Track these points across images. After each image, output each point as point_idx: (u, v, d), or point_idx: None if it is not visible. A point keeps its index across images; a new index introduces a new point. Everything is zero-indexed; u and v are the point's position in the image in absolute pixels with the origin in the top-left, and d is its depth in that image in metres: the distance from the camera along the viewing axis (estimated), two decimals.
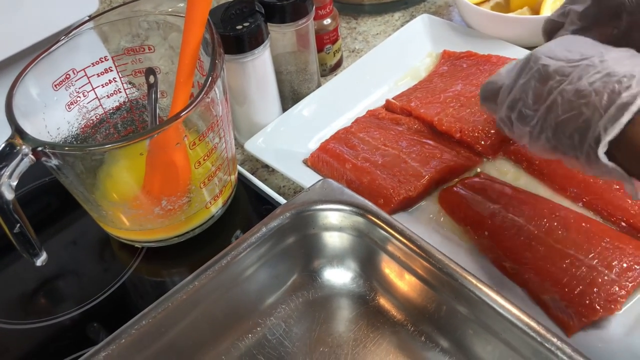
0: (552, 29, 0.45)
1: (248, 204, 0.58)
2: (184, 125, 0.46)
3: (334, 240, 0.47)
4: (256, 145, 0.61)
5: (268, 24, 0.59)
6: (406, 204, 0.55)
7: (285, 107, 0.65)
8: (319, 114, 0.64)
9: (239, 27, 0.55)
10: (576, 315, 0.44)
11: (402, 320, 0.45)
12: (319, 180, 0.47)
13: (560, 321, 0.45)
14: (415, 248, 0.43)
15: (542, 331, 0.37)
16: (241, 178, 0.59)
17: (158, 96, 0.55)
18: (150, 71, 0.55)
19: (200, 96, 0.44)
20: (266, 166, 0.63)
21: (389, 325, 0.46)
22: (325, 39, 0.69)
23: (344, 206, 0.45)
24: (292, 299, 0.48)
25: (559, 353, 0.36)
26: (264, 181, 0.61)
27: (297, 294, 0.48)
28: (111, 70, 0.55)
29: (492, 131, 0.58)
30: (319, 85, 0.67)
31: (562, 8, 0.44)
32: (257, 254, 0.45)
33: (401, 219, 0.54)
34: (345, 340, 0.46)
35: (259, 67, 0.58)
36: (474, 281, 0.40)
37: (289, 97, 0.66)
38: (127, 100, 0.57)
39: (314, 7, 0.61)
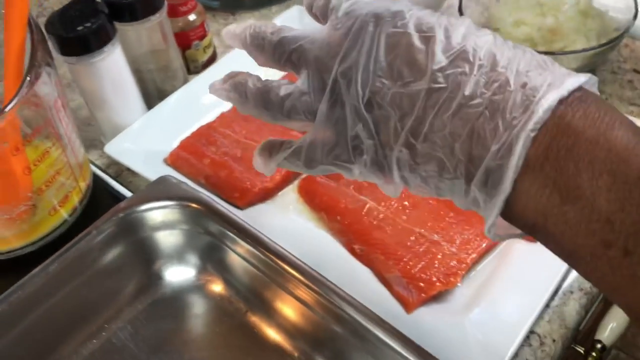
0: None
1: (108, 209, 0.57)
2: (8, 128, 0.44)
3: (171, 238, 0.46)
4: (117, 148, 0.59)
5: (119, 23, 0.58)
6: (264, 196, 0.54)
7: (150, 107, 0.64)
8: (184, 112, 0.63)
9: (80, 27, 0.53)
10: (416, 291, 0.45)
11: (244, 309, 0.45)
12: (157, 179, 0.46)
13: (401, 298, 0.45)
14: (246, 237, 0.42)
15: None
16: (102, 183, 0.58)
17: None
18: None
19: (16, 98, 0.42)
20: (131, 169, 0.62)
21: (236, 316, 0.45)
22: (191, 35, 0.68)
23: (173, 202, 0.44)
24: (138, 301, 0.47)
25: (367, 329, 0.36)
26: (128, 184, 0.59)
27: (143, 296, 0.47)
28: None
29: None
30: (185, 82, 0.66)
31: None
32: (91, 258, 0.44)
33: (260, 210, 0.54)
34: (192, 338, 0.45)
35: (112, 66, 0.57)
36: (295, 262, 0.40)
37: (155, 95, 0.65)
38: None
39: (166, 3, 0.60)
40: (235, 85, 0.33)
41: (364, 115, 0.28)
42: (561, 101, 0.24)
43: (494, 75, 0.25)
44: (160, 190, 0.45)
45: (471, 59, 0.26)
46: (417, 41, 0.27)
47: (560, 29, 0.57)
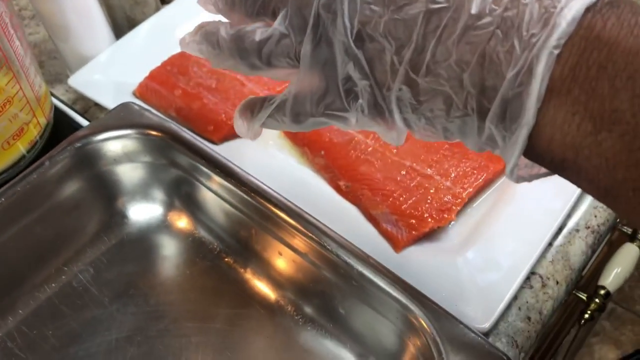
0: None
1: None
2: None
3: (134, 172, 0.41)
4: (82, 80, 0.54)
5: None
6: None
7: (119, 37, 0.58)
8: (156, 42, 0.57)
9: None
10: (406, 228, 0.40)
11: (217, 249, 0.41)
12: (117, 106, 0.42)
13: (389, 236, 0.41)
14: (219, 170, 0.38)
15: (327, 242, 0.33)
16: (67, 119, 0.53)
17: None
18: None
19: None
20: (98, 104, 0.57)
21: (209, 258, 0.41)
22: None
23: (134, 130, 0.39)
24: (102, 241, 0.42)
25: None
26: (95, 119, 0.54)
27: (107, 236, 0.43)
28: None
29: None
30: (157, 10, 0.60)
31: None
32: (46, 192, 0.39)
33: (237, 145, 0.49)
34: (160, 281, 0.41)
35: None
36: (276, 199, 0.36)
37: (124, 25, 0.59)
38: None
39: None
40: (206, 36, 0.29)
41: (354, 52, 0.24)
42: (588, 9, 0.20)
43: None
44: (120, 117, 0.40)
45: None
46: None
47: None
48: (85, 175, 0.40)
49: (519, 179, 0.23)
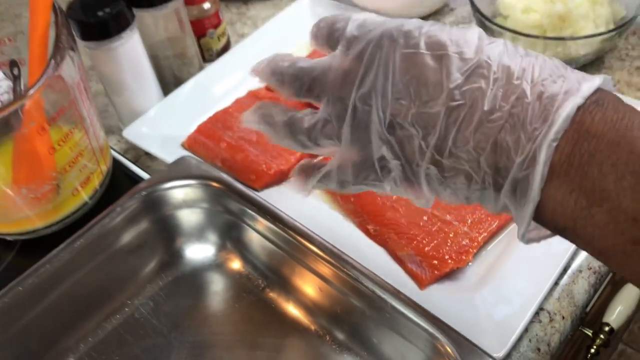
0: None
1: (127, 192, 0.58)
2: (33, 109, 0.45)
3: (192, 216, 0.47)
4: (135, 133, 0.61)
5: (136, 9, 0.59)
6: (280, 178, 0.56)
7: (167, 93, 0.65)
8: (200, 98, 0.64)
9: (100, 13, 0.55)
10: (429, 269, 0.46)
11: (262, 285, 0.46)
12: (178, 158, 0.48)
13: (414, 275, 0.46)
14: (265, 214, 0.44)
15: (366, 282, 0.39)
16: (122, 168, 0.59)
17: (22, 89, 0.55)
18: (13, 63, 0.55)
19: (42, 79, 0.44)
20: (149, 153, 0.63)
21: (255, 293, 0.47)
22: (206, 24, 0.69)
23: (195, 181, 0.45)
24: (160, 277, 0.48)
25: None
26: (146, 168, 0.61)
27: (164, 273, 0.48)
28: None
29: None
30: (201, 69, 0.68)
31: None
32: (115, 234, 0.46)
33: (275, 193, 0.55)
34: (212, 313, 0.46)
35: (130, 52, 0.58)
36: (314, 238, 0.41)
37: (171, 82, 0.66)
38: None
39: None
40: (264, 117, 0.34)
41: (387, 138, 0.29)
42: (579, 107, 0.25)
43: (510, 88, 0.26)
44: (181, 169, 0.46)
45: (486, 73, 0.26)
46: (430, 60, 0.27)
47: (570, 15, 0.58)
48: (150, 219, 0.46)
49: (529, 241, 0.29)
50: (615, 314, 0.59)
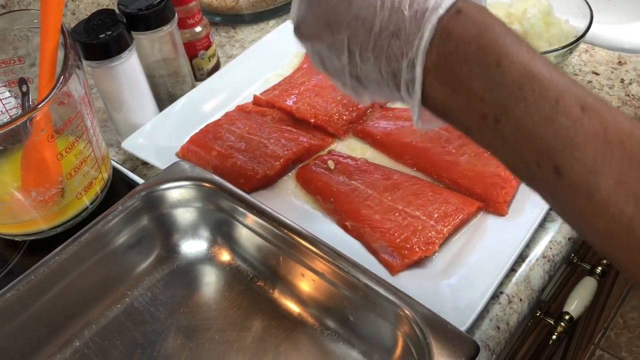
0: None
1: None
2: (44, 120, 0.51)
3: (187, 214, 0.52)
4: (133, 144, 0.66)
5: (134, 32, 0.65)
6: (266, 182, 0.61)
7: (162, 109, 0.71)
8: (192, 113, 0.70)
9: (102, 35, 0.61)
10: (399, 257, 0.51)
11: (250, 275, 0.51)
12: (173, 163, 0.53)
13: (386, 263, 0.52)
14: (254, 210, 0.49)
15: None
16: (120, 176, 0.64)
17: (30, 104, 0.60)
18: (22, 81, 0.60)
19: (53, 92, 0.49)
20: (145, 163, 0.68)
21: (244, 282, 0.52)
22: (198, 46, 0.75)
23: (189, 182, 0.51)
24: (157, 271, 0.53)
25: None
26: (142, 176, 0.66)
27: (161, 266, 0.53)
28: None
29: (343, 114, 0.66)
30: (193, 87, 0.73)
31: None
32: (117, 230, 0.51)
33: (262, 195, 0.61)
34: (205, 301, 0.51)
35: (129, 70, 0.64)
36: (296, 228, 0.47)
37: (165, 99, 0.72)
38: (4, 109, 0.62)
39: (177, 16, 0.68)
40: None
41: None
42: (441, 17, 0.32)
43: (394, 11, 0.33)
44: (176, 172, 0.52)
45: (374, 2, 0.34)
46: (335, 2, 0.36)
47: (525, 35, 0.65)
48: (148, 217, 0.51)
49: (422, 126, 0.37)
50: (574, 304, 0.65)
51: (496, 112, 0.31)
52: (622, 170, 0.29)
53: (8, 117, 0.62)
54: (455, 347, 0.38)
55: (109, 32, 0.61)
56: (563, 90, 0.30)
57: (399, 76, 0.34)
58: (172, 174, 0.51)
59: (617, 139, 0.29)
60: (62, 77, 0.50)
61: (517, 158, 0.32)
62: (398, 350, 0.43)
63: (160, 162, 0.64)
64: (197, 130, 0.68)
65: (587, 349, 1.45)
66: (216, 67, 0.79)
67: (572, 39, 0.67)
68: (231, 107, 0.71)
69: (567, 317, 0.64)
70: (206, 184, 0.51)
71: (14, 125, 0.49)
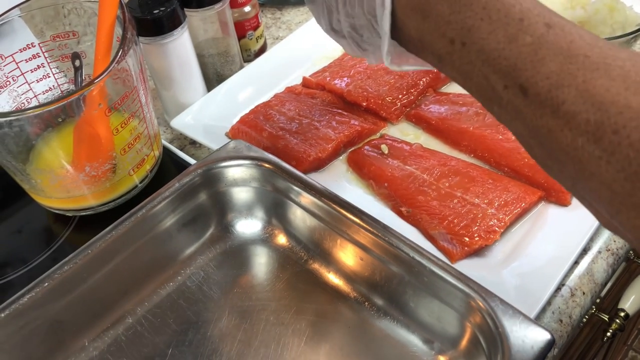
0: None
1: (174, 177, 0.62)
2: (99, 94, 0.50)
3: (243, 194, 0.51)
4: (182, 123, 0.65)
5: (187, 9, 0.64)
6: (317, 165, 0.60)
7: (210, 89, 0.70)
8: (241, 93, 0.69)
9: (156, 11, 0.60)
10: (459, 245, 0.50)
11: (305, 257, 0.50)
12: (229, 141, 0.52)
13: (445, 251, 0.50)
14: (310, 189, 0.48)
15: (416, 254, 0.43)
16: (170, 154, 0.64)
17: (84, 79, 0.59)
18: (75, 55, 0.59)
19: (112, 65, 0.49)
20: (193, 142, 0.68)
21: (298, 263, 0.51)
22: (246, 26, 0.74)
23: (248, 161, 0.50)
24: (210, 250, 0.52)
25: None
26: (191, 156, 0.65)
27: (214, 246, 0.52)
28: (39, 56, 0.59)
29: (396, 98, 0.64)
30: (241, 68, 0.72)
31: None
32: (172, 208, 0.50)
33: (313, 178, 0.59)
34: (259, 282, 0.50)
35: (180, 48, 0.63)
36: (355, 212, 0.46)
37: (214, 79, 0.71)
38: (56, 84, 0.61)
39: None
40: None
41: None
42: None
43: None
44: (234, 151, 0.51)
45: None
46: None
47: (588, 21, 0.62)
48: (205, 193, 0.50)
49: (392, 66, 0.38)
50: (630, 301, 0.63)
51: (462, 34, 0.31)
52: (586, 78, 0.27)
53: (59, 92, 0.62)
54: (530, 339, 0.37)
55: (163, 8, 0.60)
56: (528, 9, 0.30)
57: (373, 21, 0.37)
58: (231, 152, 0.50)
59: (581, 52, 0.28)
60: (120, 52, 0.50)
61: (484, 83, 0.31)
62: (464, 340, 0.41)
63: (210, 141, 0.63)
64: (245, 111, 0.67)
65: (620, 350, 1.42)
66: (263, 49, 0.78)
67: (635, 27, 0.65)
68: (280, 88, 0.70)
69: (622, 313, 0.62)
70: (265, 164, 0.50)
71: (72, 98, 0.48)
